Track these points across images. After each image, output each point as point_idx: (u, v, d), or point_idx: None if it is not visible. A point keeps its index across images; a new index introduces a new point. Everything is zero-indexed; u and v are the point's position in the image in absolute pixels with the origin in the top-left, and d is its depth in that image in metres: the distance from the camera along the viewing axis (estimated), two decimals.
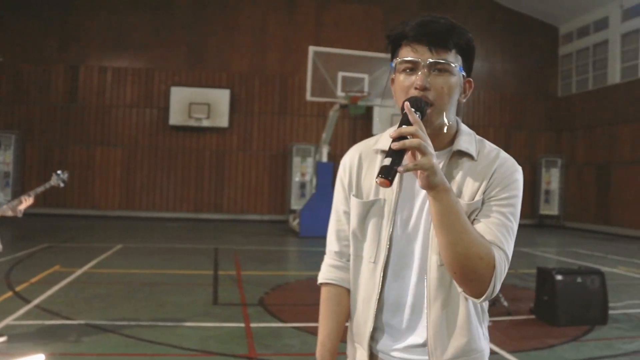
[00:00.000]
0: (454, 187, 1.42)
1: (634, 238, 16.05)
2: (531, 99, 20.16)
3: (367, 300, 1.52)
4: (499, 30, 19.77)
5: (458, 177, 1.44)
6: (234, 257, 10.20)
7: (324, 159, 14.43)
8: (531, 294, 6.56)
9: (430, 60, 1.38)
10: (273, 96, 18.57)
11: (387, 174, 1.22)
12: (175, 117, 17.58)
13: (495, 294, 1.35)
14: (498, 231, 1.37)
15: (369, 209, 1.52)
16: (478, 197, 1.41)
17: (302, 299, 7.25)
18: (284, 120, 18.59)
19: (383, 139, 1.54)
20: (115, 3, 17.83)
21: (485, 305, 1.50)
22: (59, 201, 16.96)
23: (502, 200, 1.40)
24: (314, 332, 5.33)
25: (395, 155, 1.23)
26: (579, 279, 6.03)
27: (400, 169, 1.22)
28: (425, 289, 1.44)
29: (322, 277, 1.65)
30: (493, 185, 1.41)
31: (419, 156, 1.24)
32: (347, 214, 1.59)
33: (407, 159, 1.27)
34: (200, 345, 4.86)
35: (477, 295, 1.35)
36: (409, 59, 1.41)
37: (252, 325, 5.61)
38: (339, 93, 13.34)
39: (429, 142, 1.25)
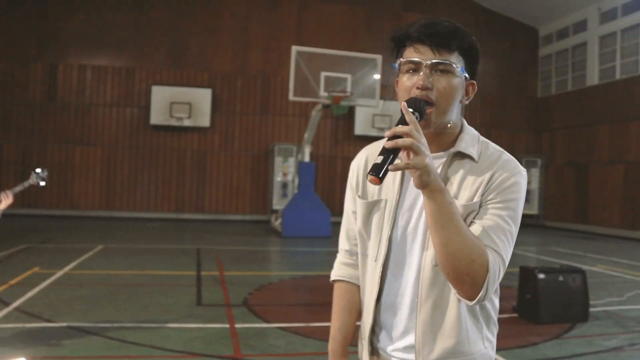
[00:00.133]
0: (453, 188, 1.43)
1: (612, 237, 16.31)
2: (511, 100, 20.37)
3: (369, 298, 1.56)
4: (480, 31, 19.90)
5: (457, 178, 1.44)
6: (217, 257, 10.15)
7: (306, 158, 14.41)
8: (514, 293, 6.62)
9: (433, 60, 1.40)
10: (255, 96, 18.51)
11: (377, 172, 1.23)
12: (156, 117, 17.43)
13: (488, 298, 1.35)
14: (494, 234, 1.37)
15: (371, 209, 1.55)
16: (476, 199, 1.41)
17: (286, 299, 7.25)
18: (266, 120, 18.55)
19: None
20: (95, 0, 17.62)
21: (494, 312, 1.51)
22: (38, 201, 16.73)
23: (501, 203, 1.40)
24: (299, 332, 5.36)
25: (388, 153, 1.25)
26: (560, 278, 6.11)
27: (390, 167, 1.24)
28: (418, 286, 1.45)
29: (334, 275, 1.71)
30: (492, 188, 1.41)
31: (412, 156, 1.25)
32: (355, 214, 1.62)
33: (405, 158, 1.27)
34: (185, 347, 4.82)
35: (470, 297, 1.35)
36: (412, 59, 1.42)
37: (237, 326, 5.58)
38: (322, 93, 13.33)
39: (424, 142, 1.26)
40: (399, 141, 1.23)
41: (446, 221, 1.30)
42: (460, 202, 1.41)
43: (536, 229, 18.40)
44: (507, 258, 1.39)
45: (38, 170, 4.70)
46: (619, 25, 17.27)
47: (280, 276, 8.96)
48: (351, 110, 16.70)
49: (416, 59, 1.41)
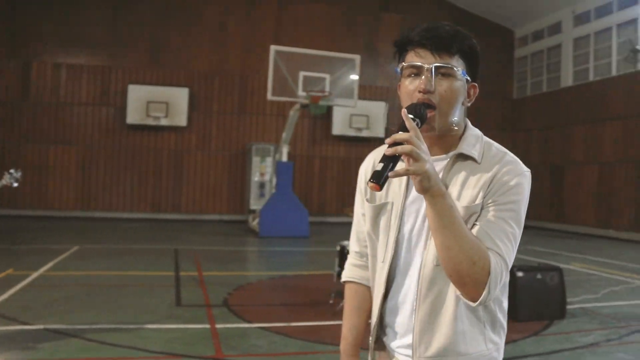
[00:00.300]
0: (455, 190, 1.45)
1: (587, 235, 16.59)
2: (487, 101, 20.57)
3: (376, 297, 1.61)
4: None
5: (459, 180, 1.46)
6: (195, 257, 10.07)
7: (284, 158, 14.38)
8: None
9: (434, 64, 1.42)
10: (232, 95, 18.42)
11: (377, 179, 1.26)
12: (133, 116, 17.24)
13: (491, 299, 1.37)
14: (496, 236, 1.39)
15: (379, 212, 1.59)
16: (478, 201, 1.42)
17: (266, 299, 7.22)
18: (244, 120, 18.46)
19: None
20: None
21: (501, 314, 1.53)
22: (11, 202, 16.39)
23: (503, 205, 1.41)
24: (280, 332, 5.35)
25: (388, 160, 1.27)
26: (538, 276, 6.20)
27: (390, 174, 1.26)
28: (418, 285, 1.48)
29: (344, 276, 1.77)
30: (494, 189, 1.43)
31: (412, 162, 1.27)
32: (364, 216, 1.67)
33: (405, 164, 1.29)
34: (166, 348, 4.77)
35: (473, 298, 1.37)
36: (414, 63, 1.45)
37: (218, 326, 5.54)
38: (300, 92, 13.31)
39: (424, 148, 1.28)
40: (399, 148, 1.25)
41: (447, 225, 1.33)
42: (462, 204, 1.42)
43: None
44: (510, 260, 1.40)
45: (12, 170, 4.62)
46: (592, 28, 17.57)
47: (259, 276, 8.93)
48: (329, 110, 16.69)
49: (418, 63, 1.44)
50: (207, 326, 5.52)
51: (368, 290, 1.69)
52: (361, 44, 18.89)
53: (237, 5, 18.50)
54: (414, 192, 1.51)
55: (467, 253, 1.32)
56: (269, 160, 17.50)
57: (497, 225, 1.40)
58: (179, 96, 17.55)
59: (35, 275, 7.84)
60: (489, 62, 20.43)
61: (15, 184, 4.61)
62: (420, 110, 1.37)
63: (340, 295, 6.58)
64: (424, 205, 1.46)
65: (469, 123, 1.56)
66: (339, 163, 19.14)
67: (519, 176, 1.45)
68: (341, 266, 6.18)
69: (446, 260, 1.35)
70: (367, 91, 18.65)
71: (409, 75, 1.46)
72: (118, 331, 5.20)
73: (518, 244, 1.44)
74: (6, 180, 4.55)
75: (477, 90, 1.54)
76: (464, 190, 1.44)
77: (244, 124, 18.46)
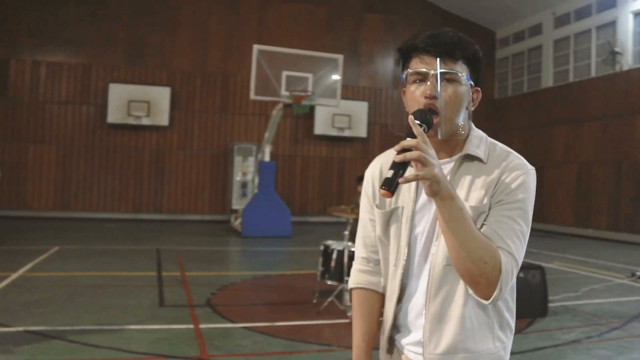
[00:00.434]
0: (463, 191, 1.48)
1: (566, 235, 16.80)
2: None
3: (389, 299, 1.63)
4: None
5: (467, 181, 1.50)
6: (177, 257, 10.00)
7: (267, 158, 14.35)
8: None
9: (439, 70, 1.45)
10: (214, 94, 18.32)
11: (389, 186, 1.28)
12: (114, 115, 17.06)
13: (502, 297, 1.41)
14: (505, 235, 1.42)
15: (389, 217, 1.61)
16: (486, 201, 1.45)
17: (249, 299, 7.19)
18: (225, 119, 18.38)
19: None
20: None
21: (508, 313, 1.55)
22: None
23: (510, 204, 1.44)
24: (264, 331, 5.33)
25: (398, 167, 1.30)
26: (521, 274, 6.24)
27: (400, 180, 1.29)
28: (428, 284, 1.51)
29: (352, 283, 1.76)
30: (501, 189, 1.46)
31: (421, 167, 1.29)
32: (372, 221, 1.69)
33: (414, 170, 1.32)
34: (150, 348, 4.72)
35: (486, 297, 1.40)
36: (419, 70, 1.48)
37: (202, 326, 5.50)
38: (283, 92, 13.29)
39: (432, 152, 1.30)
40: (407, 154, 1.27)
41: (458, 226, 1.35)
42: (470, 204, 1.45)
43: None
44: (520, 258, 1.44)
45: None
46: (572, 30, 17.79)
47: (242, 276, 8.89)
48: (311, 110, 16.70)
49: (424, 70, 1.47)
50: (191, 326, 5.48)
51: (376, 295, 1.71)
52: (344, 44, 18.92)
53: (219, 4, 18.41)
54: (423, 196, 1.54)
55: (478, 253, 1.36)
56: (251, 160, 17.44)
57: (506, 224, 1.43)
58: (161, 95, 17.42)
59: (14, 276, 7.72)
60: None
61: None
62: (426, 116, 1.40)
63: (323, 294, 6.58)
64: (433, 208, 1.50)
65: (473, 126, 1.59)
66: (321, 163, 19.15)
67: (525, 174, 1.48)
68: (324, 266, 6.18)
69: (458, 261, 1.38)
70: (349, 91, 18.68)
71: (414, 82, 1.49)
72: (101, 332, 5.14)
73: (527, 241, 1.47)
74: None
75: (480, 94, 1.57)
76: (471, 191, 1.48)
77: (226, 123, 18.38)
